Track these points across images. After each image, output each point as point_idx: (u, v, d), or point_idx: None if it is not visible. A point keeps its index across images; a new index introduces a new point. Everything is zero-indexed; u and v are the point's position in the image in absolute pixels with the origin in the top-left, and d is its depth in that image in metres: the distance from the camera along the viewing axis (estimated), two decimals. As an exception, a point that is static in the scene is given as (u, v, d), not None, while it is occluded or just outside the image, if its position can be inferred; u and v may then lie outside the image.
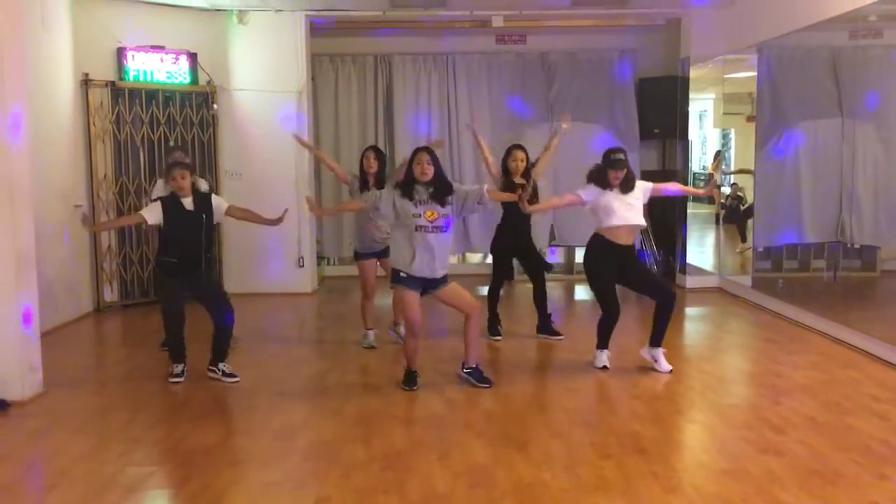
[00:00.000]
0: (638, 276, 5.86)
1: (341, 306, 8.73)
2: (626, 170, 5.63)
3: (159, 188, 6.41)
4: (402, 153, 9.84)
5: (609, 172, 5.60)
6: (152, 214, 5.60)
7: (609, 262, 5.72)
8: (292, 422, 4.87)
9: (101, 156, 8.37)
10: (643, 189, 5.75)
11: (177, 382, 5.71)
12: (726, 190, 13.02)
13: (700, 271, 10.04)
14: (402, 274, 5.34)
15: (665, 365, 5.77)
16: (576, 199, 5.77)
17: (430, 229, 5.25)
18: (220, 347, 5.78)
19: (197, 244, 5.63)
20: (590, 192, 5.71)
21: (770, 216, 9.32)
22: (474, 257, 10.78)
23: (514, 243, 6.78)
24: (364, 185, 6.55)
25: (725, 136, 15.07)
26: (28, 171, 5.43)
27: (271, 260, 9.29)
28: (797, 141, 9.21)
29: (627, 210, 5.64)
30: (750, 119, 13.68)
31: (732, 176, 14.23)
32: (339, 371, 6.05)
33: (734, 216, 11.60)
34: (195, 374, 5.84)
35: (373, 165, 6.53)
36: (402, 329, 6.69)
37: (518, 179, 6.55)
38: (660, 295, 5.76)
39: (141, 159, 8.65)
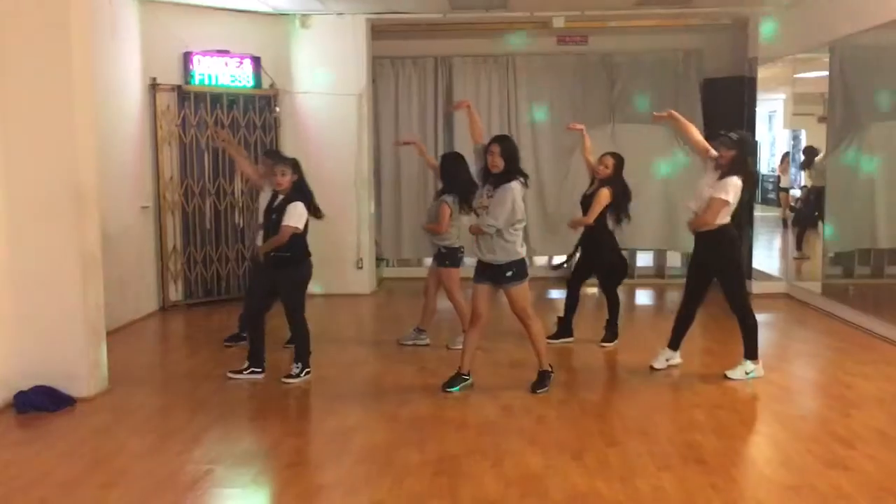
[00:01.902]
0: (718, 275, 5.75)
1: (399, 308, 8.74)
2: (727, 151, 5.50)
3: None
4: (463, 154, 9.82)
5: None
6: (301, 221, 5.72)
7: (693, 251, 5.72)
8: (347, 424, 4.88)
9: (167, 158, 8.55)
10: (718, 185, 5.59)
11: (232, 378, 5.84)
12: (795, 192, 12.69)
13: (767, 276, 9.76)
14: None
15: (731, 373, 5.67)
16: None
17: (481, 213, 5.40)
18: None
19: None
20: (727, 189, 5.48)
21: (841, 221, 9.00)
22: (540, 259, 10.66)
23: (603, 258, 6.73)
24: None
25: (795, 138, 14.67)
26: (94, 175, 5.57)
27: (331, 261, 9.34)
28: (870, 143, 8.88)
29: (697, 194, 5.66)
30: (822, 120, 13.28)
31: (803, 179, 13.86)
32: (395, 373, 6.05)
33: (801, 219, 11.27)
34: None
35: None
36: (458, 341, 6.60)
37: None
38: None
39: (205, 161, 8.81)
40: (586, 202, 6.70)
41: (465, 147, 9.93)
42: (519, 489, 3.90)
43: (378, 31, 9.56)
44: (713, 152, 5.60)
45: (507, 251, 5.29)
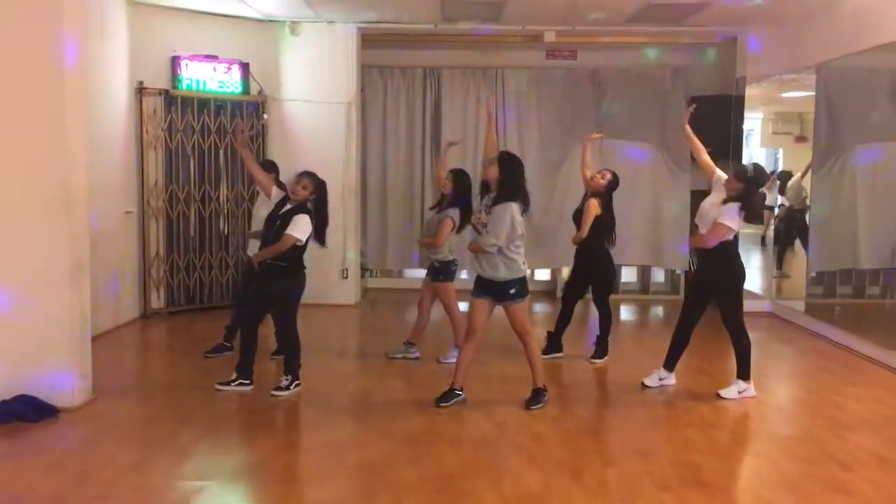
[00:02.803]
0: (714, 295, 5.75)
1: (384, 320, 8.67)
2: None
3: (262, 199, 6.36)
4: (450, 166, 9.78)
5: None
6: (305, 234, 5.59)
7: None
8: (340, 439, 4.80)
9: (152, 163, 8.41)
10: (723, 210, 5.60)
11: (220, 390, 5.73)
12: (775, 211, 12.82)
13: (750, 294, 9.81)
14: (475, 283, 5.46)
15: (723, 392, 5.66)
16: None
17: (479, 231, 5.31)
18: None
19: None
20: (733, 215, 5.48)
21: (825, 241, 9.08)
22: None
23: (596, 273, 6.70)
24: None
25: (776, 157, 14.83)
26: (85, 180, 5.45)
27: (315, 271, 9.20)
28: (854, 164, 8.97)
29: (702, 215, 5.64)
30: (799, 139, 13.46)
31: (780, 197, 14.01)
32: (385, 387, 5.97)
33: (780, 238, 11.37)
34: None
35: (447, 185, 6.50)
36: (450, 355, 6.56)
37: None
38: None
39: (191, 167, 8.69)
40: (578, 216, 6.68)
41: (453, 159, 9.92)
42: (520, 509, 3.85)
43: (366, 40, 9.50)
44: (719, 173, 5.61)
45: (510, 268, 5.24)
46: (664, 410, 5.48)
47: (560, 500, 3.96)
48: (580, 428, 5.14)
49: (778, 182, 13.34)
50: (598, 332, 6.76)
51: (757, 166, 5.81)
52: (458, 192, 6.41)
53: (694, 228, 5.94)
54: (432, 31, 9.32)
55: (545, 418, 5.24)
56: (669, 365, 5.90)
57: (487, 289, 5.33)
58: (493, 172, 5.24)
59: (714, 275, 5.60)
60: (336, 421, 5.14)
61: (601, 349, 6.72)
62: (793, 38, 8.84)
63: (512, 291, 5.28)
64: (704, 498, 3.99)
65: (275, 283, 5.63)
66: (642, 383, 5.90)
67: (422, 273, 7.08)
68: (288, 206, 5.64)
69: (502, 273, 5.23)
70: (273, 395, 5.60)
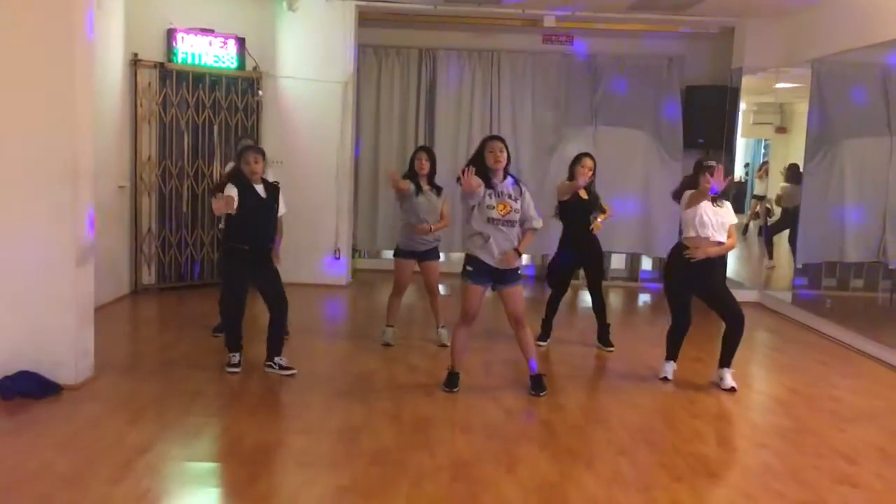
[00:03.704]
0: (712, 291, 5.76)
1: (378, 301, 8.63)
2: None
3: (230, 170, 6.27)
4: (442, 148, 9.78)
5: (701, 179, 5.41)
6: (232, 192, 5.43)
7: (687, 272, 5.64)
8: (351, 423, 4.80)
9: (146, 137, 8.29)
10: (728, 208, 5.66)
11: (233, 372, 5.65)
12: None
13: (737, 285, 9.95)
14: (468, 268, 5.33)
15: (728, 382, 5.70)
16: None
17: (502, 223, 5.22)
18: (276, 341, 5.72)
19: (266, 233, 5.59)
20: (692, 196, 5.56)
21: (813, 233, 9.21)
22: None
23: (576, 257, 6.68)
24: (418, 187, 6.45)
25: (766, 147, 14.98)
26: (91, 156, 5.36)
27: (308, 250, 9.20)
28: (843, 158, 9.10)
29: (716, 223, 5.57)
30: (779, 130, 13.62)
31: (757, 188, 14.19)
32: (388, 371, 5.98)
33: (764, 230, 11.51)
34: (248, 364, 5.80)
35: (424, 166, 6.44)
36: (443, 332, 6.63)
37: (583, 193, 6.47)
38: (728, 317, 5.68)
39: (185, 143, 8.57)
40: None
41: (446, 140, 9.95)
42: (538, 497, 3.89)
43: (362, 18, 9.40)
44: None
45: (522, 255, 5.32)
46: (666, 400, 5.55)
47: (577, 488, 4.01)
48: (588, 417, 5.19)
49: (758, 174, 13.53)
50: (603, 318, 6.80)
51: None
52: (434, 170, 6.48)
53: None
54: (431, 11, 9.25)
55: (552, 405, 5.28)
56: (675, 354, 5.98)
57: (492, 275, 5.32)
58: (501, 153, 5.23)
59: (716, 271, 5.75)
60: (345, 405, 5.14)
61: (601, 335, 6.80)
62: (790, 31, 8.92)
63: (518, 272, 5.34)
64: (718, 489, 4.07)
65: (270, 264, 5.70)
66: (664, 377, 5.93)
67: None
68: (260, 186, 5.60)
69: (521, 259, 5.28)
70: (286, 375, 5.65)
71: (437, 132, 10.09)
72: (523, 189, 5.31)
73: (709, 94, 9.76)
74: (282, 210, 5.77)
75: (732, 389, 5.65)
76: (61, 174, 5.09)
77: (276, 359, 5.69)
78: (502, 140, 5.34)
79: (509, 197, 5.22)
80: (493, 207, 5.20)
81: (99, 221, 7.29)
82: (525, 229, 5.33)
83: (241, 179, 5.54)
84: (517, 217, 5.23)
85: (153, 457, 4.20)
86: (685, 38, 9.82)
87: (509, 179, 5.28)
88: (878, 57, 8.26)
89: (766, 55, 9.13)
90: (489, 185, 5.24)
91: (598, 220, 6.51)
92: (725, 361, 5.74)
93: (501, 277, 5.32)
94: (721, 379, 5.74)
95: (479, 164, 5.24)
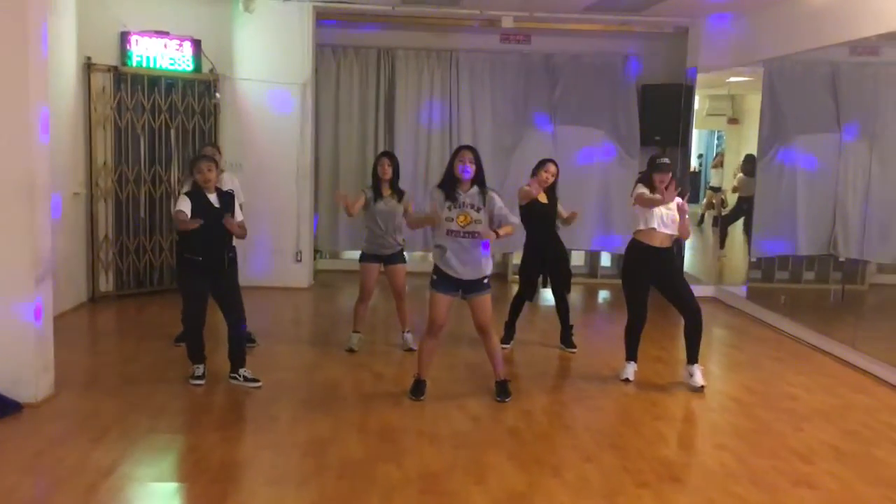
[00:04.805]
0: (669, 284, 5.89)
1: (340, 305, 8.65)
2: (670, 175, 5.63)
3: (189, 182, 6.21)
4: (402, 148, 9.79)
5: (654, 176, 5.62)
6: (186, 207, 5.42)
7: (643, 267, 5.77)
8: (318, 435, 4.81)
9: (101, 142, 8.16)
10: (677, 202, 5.76)
11: (198, 385, 5.61)
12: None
13: (693, 280, 10.11)
14: (434, 277, 5.36)
15: (698, 380, 5.84)
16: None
17: (462, 234, 5.23)
18: (237, 353, 5.70)
19: (221, 242, 5.54)
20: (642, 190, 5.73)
21: (766, 227, 9.43)
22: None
23: (541, 261, 6.75)
24: (378, 193, 6.46)
25: (720, 138, 15.20)
26: (48, 168, 5.27)
27: (269, 254, 9.15)
28: (795, 154, 9.31)
29: (666, 217, 5.70)
30: (731, 121, 13.86)
31: (713, 179, 14.43)
32: (353, 378, 6.00)
33: (720, 221, 11.73)
34: (212, 375, 5.77)
35: (387, 172, 6.46)
36: (408, 336, 6.68)
37: (542, 198, 6.52)
38: (685, 311, 5.82)
39: (141, 147, 8.45)
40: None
41: (405, 140, 9.95)
42: (508, 508, 3.95)
43: (320, 18, 9.34)
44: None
45: (490, 263, 5.36)
46: (629, 402, 5.65)
47: (545, 498, 4.07)
48: (553, 423, 5.27)
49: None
50: (566, 320, 6.89)
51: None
52: (396, 175, 6.52)
53: None
54: (389, 12, 9.23)
55: (518, 412, 5.35)
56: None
57: (458, 285, 5.36)
58: (469, 162, 5.25)
59: (675, 263, 6.01)
60: (312, 416, 5.15)
61: (564, 336, 6.89)
62: (743, 32, 9.07)
63: (486, 281, 5.37)
64: (681, 495, 4.16)
65: (231, 272, 5.74)
66: (626, 378, 6.03)
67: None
68: (213, 194, 5.57)
69: (486, 269, 5.32)
70: (253, 387, 5.64)
71: (396, 132, 10.08)
72: (491, 196, 5.28)
73: (664, 92, 9.90)
74: (238, 217, 5.71)
75: (701, 388, 5.80)
76: (17, 190, 5.00)
77: (241, 370, 5.67)
78: (473, 150, 5.35)
79: (471, 207, 5.24)
80: (453, 220, 5.23)
81: (54, 229, 7.24)
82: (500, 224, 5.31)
83: (194, 189, 5.53)
84: (480, 228, 5.24)
85: (118, 479, 4.16)
86: (641, 37, 9.95)
87: (474, 189, 5.30)
88: (826, 54, 8.45)
89: (720, 55, 9.29)
90: (451, 196, 5.27)
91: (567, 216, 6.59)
92: (692, 357, 5.89)
93: (468, 287, 5.35)
94: (691, 376, 5.87)
95: (450, 172, 5.28)
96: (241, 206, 5.86)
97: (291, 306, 8.56)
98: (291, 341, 7.09)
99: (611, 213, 10.05)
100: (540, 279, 6.84)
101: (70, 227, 7.80)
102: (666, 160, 5.78)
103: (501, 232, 5.22)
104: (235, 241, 5.75)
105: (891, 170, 8.25)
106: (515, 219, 5.48)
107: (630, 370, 6.03)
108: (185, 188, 5.91)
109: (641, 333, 6.02)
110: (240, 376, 5.65)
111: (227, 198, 5.63)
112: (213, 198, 5.53)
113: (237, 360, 5.68)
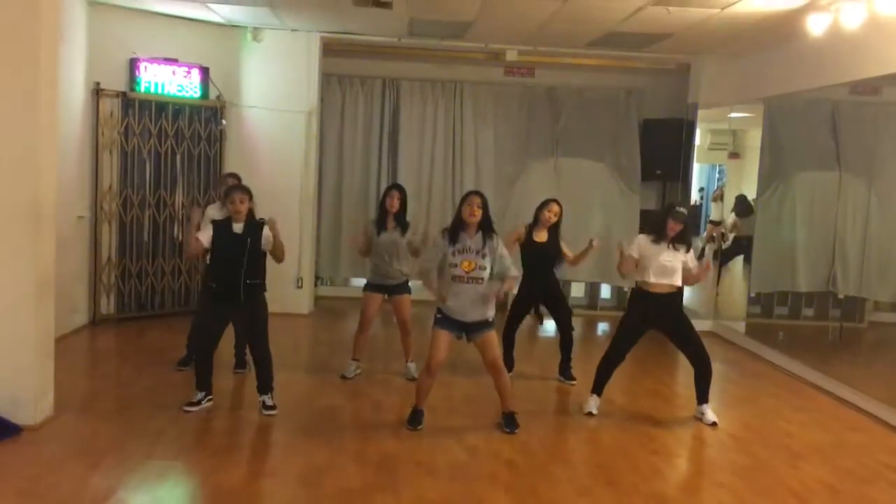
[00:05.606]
0: (675, 332, 5.92)
1: (341, 332, 8.66)
2: (684, 225, 5.68)
3: (214, 209, 6.24)
4: (406, 178, 9.85)
5: (669, 222, 5.68)
6: (205, 236, 5.51)
7: (641, 315, 5.83)
8: (315, 464, 4.82)
9: (107, 166, 8.23)
10: (689, 257, 5.80)
11: (189, 412, 5.61)
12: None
13: (691, 314, 10.13)
14: (437, 315, 5.41)
15: (710, 417, 5.89)
16: (632, 261, 5.82)
17: (467, 280, 5.28)
18: (261, 376, 5.75)
19: (237, 269, 5.50)
20: (634, 247, 5.80)
21: (766, 262, 9.47)
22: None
23: (533, 298, 6.80)
24: (382, 225, 6.51)
25: (721, 172, 15.28)
26: (54, 191, 5.33)
27: (270, 280, 9.11)
28: (794, 191, 9.38)
29: (669, 267, 5.72)
30: (732, 156, 13.93)
31: (713, 213, 14.46)
32: (352, 407, 6.02)
33: (726, 256, 11.75)
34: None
35: (395, 205, 6.50)
36: (412, 366, 6.70)
37: (540, 237, 6.60)
38: (692, 357, 5.90)
39: (147, 172, 8.53)
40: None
41: (409, 170, 10.03)
42: (503, 542, 3.96)
43: (327, 49, 9.46)
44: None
45: (493, 306, 5.41)
46: (626, 436, 5.65)
47: (540, 532, 4.08)
48: (550, 455, 5.27)
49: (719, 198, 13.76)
50: (568, 354, 6.92)
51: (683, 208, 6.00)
52: (404, 207, 6.55)
53: None
54: (395, 44, 9.35)
55: (515, 444, 5.36)
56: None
57: (460, 327, 5.40)
58: (475, 206, 5.32)
59: (680, 312, 5.93)
60: (309, 444, 5.16)
61: (563, 368, 6.92)
62: (744, 70, 9.17)
63: (490, 321, 5.39)
64: (677, 531, 4.17)
65: (256, 302, 5.70)
66: (589, 412, 6.03)
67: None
68: (242, 224, 5.57)
69: (489, 311, 5.36)
70: (267, 414, 5.67)
71: (400, 161, 10.16)
72: (495, 243, 5.35)
73: (666, 127, 10.00)
74: (264, 244, 5.64)
75: (714, 424, 5.84)
76: (24, 213, 5.06)
77: (264, 398, 5.71)
78: (481, 196, 5.42)
79: (476, 253, 5.29)
80: (457, 265, 5.29)
81: (58, 252, 7.29)
82: (505, 278, 5.40)
83: (223, 219, 5.61)
84: (484, 274, 5.28)
85: (116, 504, 4.18)
86: (643, 72, 10.05)
87: (479, 234, 5.35)
88: (827, 93, 8.55)
89: (721, 92, 9.39)
90: (455, 240, 5.33)
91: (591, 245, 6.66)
92: (702, 398, 5.94)
93: (471, 329, 5.40)
94: (702, 415, 5.92)
95: (459, 217, 5.37)
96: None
97: (290, 333, 8.58)
98: (290, 367, 7.09)
99: (611, 245, 10.03)
100: (532, 311, 6.93)
101: (73, 249, 7.84)
102: (683, 210, 5.86)
103: (505, 288, 5.36)
104: (273, 265, 5.74)
105: (889, 208, 8.33)
106: (515, 271, 5.51)
107: (594, 404, 6.03)
108: (213, 212, 5.98)
109: (613, 372, 6.04)
110: (262, 402, 5.71)
111: (255, 226, 5.61)
112: (238, 227, 5.56)
113: (263, 384, 5.75)
